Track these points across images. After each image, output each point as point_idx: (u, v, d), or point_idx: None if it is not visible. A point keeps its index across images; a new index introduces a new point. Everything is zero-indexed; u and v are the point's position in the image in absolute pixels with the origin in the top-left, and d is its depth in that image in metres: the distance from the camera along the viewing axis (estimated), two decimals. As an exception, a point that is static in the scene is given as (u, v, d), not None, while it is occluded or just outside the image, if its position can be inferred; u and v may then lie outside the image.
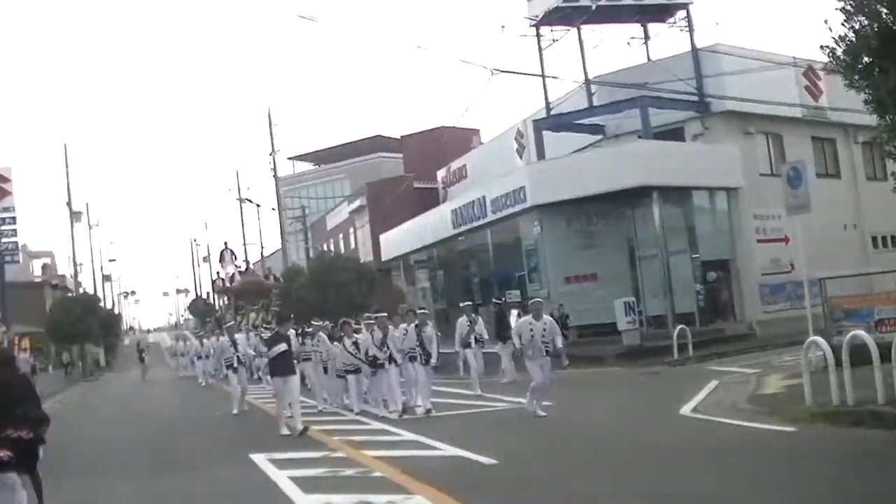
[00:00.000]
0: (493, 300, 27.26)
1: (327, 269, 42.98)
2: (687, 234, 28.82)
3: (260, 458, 11.90)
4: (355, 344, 17.20)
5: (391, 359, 16.20)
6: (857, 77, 10.79)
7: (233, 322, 26.20)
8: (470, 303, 23.78)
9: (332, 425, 15.31)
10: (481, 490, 8.86)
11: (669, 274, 26.99)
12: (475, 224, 33.24)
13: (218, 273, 52.24)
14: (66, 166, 58.29)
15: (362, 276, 42.72)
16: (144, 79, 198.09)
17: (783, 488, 8.09)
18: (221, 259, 49.76)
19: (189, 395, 28.70)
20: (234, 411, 19.54)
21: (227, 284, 47.54)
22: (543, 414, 14.30)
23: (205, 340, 34.97)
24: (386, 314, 17.56)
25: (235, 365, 20.16)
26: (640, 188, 27.00)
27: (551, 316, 16.39)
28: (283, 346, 14.87)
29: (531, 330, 14.54)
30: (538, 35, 32.64)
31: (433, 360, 16.51)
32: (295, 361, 15.73)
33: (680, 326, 23.64)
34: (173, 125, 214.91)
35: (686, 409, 14.04)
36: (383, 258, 44.47)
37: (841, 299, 16.59)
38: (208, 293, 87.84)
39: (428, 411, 15.82)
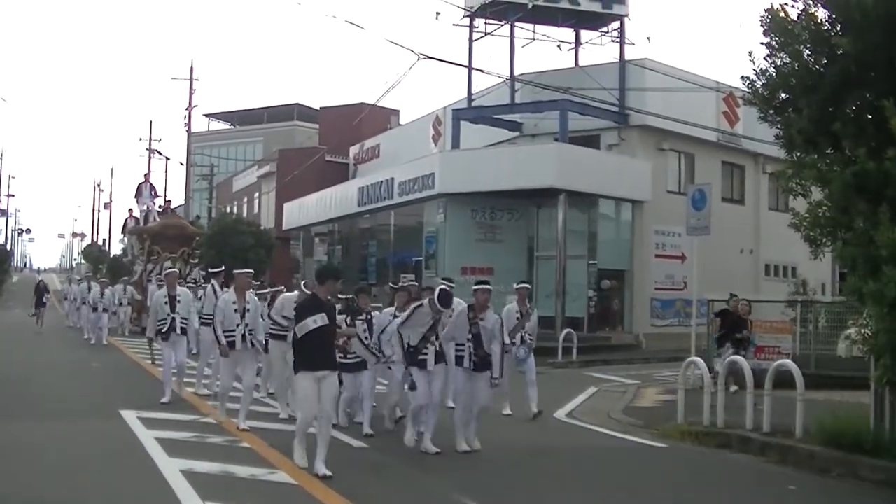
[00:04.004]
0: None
1: (227, 231, 42.33)
2: (588, 241, 28.89)
3: (129, 416, 11.61)
4: (368, 322, 11.38)
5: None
6: (771, 112, 10.89)
7: (174, 269, 19.78)
8: (526, 284, 14.88)
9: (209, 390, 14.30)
10: (343, 470, 8.71)
11: (565, 277, 27.04)
12: (380, 204, 32.90)
13: (131, 210, 45.18)
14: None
15: (260, 242, 42.20)
16: (64, 16, 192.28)
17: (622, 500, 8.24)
18: (138, 193, 42.89)
19: (73, 343, 26.07)
20: (164, 399, 13.20)
21: (142, 224, 40.25)
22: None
23: (107, 290, 27.58)
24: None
25: (170, 331, 13.79)
26: (549, 189, 27.01)
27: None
28: (319, 319, 8.70)
29: None
30: (471, 26, 32.44)
31: (496, 375, 10.23)
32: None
33: (567, 330, 23.72)
34: (87, 66, 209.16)
35: (561, 413, 14.07)
36: (284, 227, 43.83)
37: (726, 322, 16.87)
38: (104, 240, 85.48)
39: (465, 452, 10.03)
